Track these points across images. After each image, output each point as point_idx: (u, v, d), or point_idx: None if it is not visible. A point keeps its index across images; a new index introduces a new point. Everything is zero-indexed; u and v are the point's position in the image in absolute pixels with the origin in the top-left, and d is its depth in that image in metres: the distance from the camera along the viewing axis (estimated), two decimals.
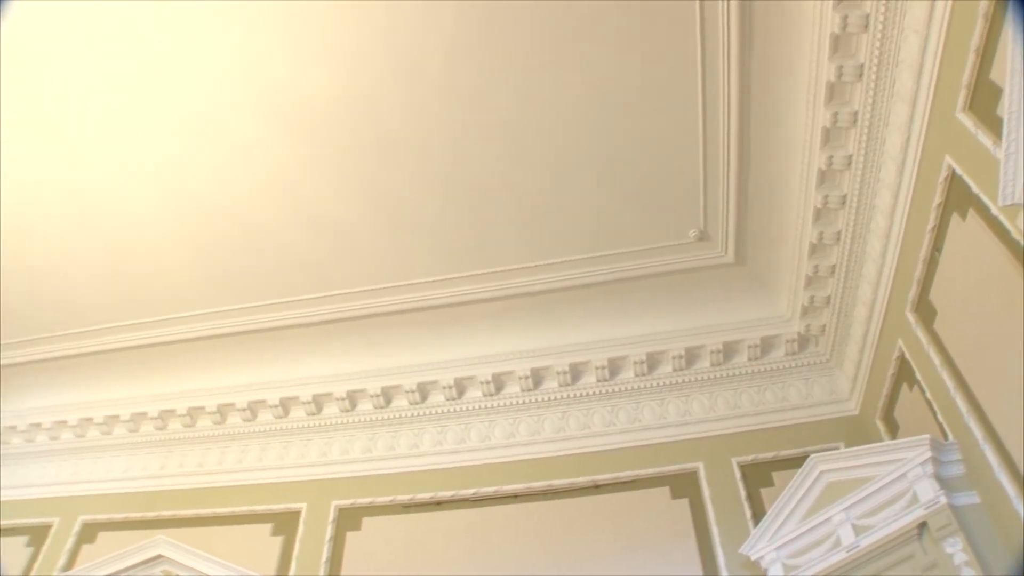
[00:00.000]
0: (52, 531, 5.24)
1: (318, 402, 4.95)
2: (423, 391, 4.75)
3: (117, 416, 5.53)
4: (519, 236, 4.21)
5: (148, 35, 3.63)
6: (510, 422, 4.56)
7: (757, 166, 3.63)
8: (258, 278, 4.76)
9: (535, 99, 3.57)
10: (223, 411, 5.18)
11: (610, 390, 4.48)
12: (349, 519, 4.57)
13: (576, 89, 3.50)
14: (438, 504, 4.41)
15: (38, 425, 5.78)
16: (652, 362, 4.41)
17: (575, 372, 4.50)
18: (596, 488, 4.21)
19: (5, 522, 5.47)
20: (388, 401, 4.83)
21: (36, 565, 5.08)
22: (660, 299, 4.34)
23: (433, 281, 4.54)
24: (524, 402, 4.56)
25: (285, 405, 5.03)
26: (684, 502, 4.08)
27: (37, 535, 5.28)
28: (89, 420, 5.59)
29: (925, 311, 3.19)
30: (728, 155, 3.58)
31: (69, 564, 4.97)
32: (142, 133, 4.02)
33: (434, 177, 3.99)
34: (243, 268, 4.69)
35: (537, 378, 4.53)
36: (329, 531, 4.53)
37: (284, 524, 4.68)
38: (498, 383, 4.61)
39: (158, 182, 4.27)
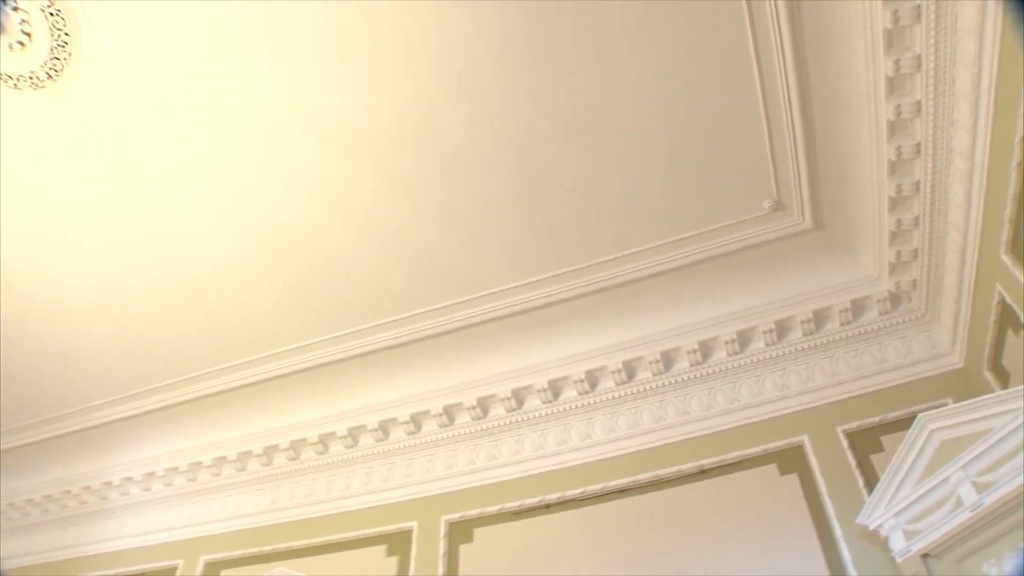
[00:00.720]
0: (178, 573, 5.57)
1: (416, 421, 5.15)
2: (519, 397, 4.90)
3: (224, 457, 5.85)
4: (593, 232, 4.35)
5: (207, 84, 3.94)
6: (608, 417, 4.67)
7: (823, 127, 3.68)
8: (345, 307, 5.03)
9: (590, 95, 3.72)
10: (325, 441, 5.44)
11: (704, 373, 4.55)
12: (460, 532, 4.72)
13: (630, 77, 3.66)
14: (547, 508, 4.54)
15: (152, 474, 6.18)
16: (743, 340, 4.46)
17: (667, 360, 4.59)
18: (702, 473, 4.28)
19: (135, 568, 5.84)
20: (485, 411, 4.99)
21: None
22: (743, 275, 4.40)
23: (514, 287, 4.71)
24: (620, 396, 4.67)
25: (384, 428, 5.25)
26: (793, 477, 4.11)
27: None
28: (199, 464, 5.95)
29: (1021, 251, 3.17)
30: (791, 120, 3.65)
31: None
32: (217, 178, 4.38)
33: (501, 185, 4.17)
34: (329, 299, 4.96)
35: (630, 370, 4.64)
36: (442, 546, 4.69)
37: (397, 544, 4.87)
38: (592, 380, 4.73)
39: (238, 225, 4.63)
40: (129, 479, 6.40)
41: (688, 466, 4.35)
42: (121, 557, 6.20)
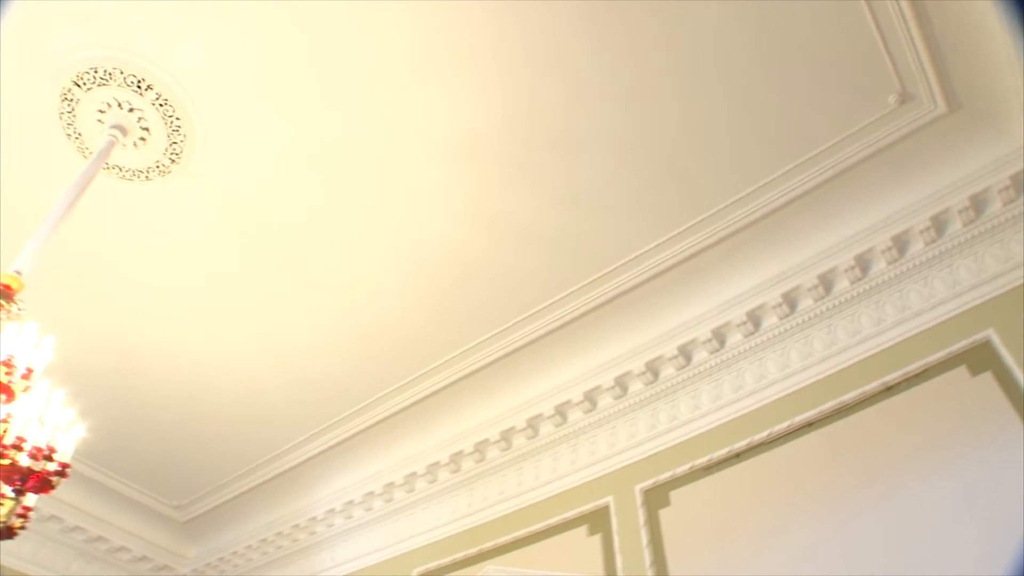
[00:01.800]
0: None
1: (591, 398, 5.37)
2: (686, 353, 5.05)
3: (414, 472, 6.32)
4: (720, 172, 4.51)
5: (316, 127, 4.44)
6: (779, 354, 4.74)
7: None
8: (494, 305, 5.48)
9: (682, 34, 3.86)
10: (507, 436, 5.76)
11: (867, 288, 4.56)
12: (656, 498, 4.90)
13: (728, 10, 3.71)
14: (737, 456, 4.66)
15: (351, 502, 6.73)
16: (900, 245, 4.44)
17: (826, 283, 4.63)
18: (888, 391, 4.30)
19: None
20: (656, 374, 5.16)
21: None
22: (885, 179, 4.42)
23: (655, 245, 4.92)
24: (785, 329, 4.75)
25: (561, 411, 5.49)
26: (986, 377, 4.06)
27: None
28: (392, 484, 6.45)
29: None
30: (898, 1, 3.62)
31: None
32: (345, 213, 4.96)
33: (616, 149, 4.40)
34: (477, 302, 5.46)
35: (791, 302, 4.71)
36: (641, 516, 4.87)
37: (597, 521, 5.10)
38: (754, 320, 4.83)
39: (373, 251, 5.17)
40: (331, 511, 6.97)
41: (872, 386, 4.35)
42: None
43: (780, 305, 4.75)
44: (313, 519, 7.21)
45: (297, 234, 5.14)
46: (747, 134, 4.32)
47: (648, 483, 5.00)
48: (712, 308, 5.01)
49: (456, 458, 6.18)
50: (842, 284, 4.64)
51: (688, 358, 5.10)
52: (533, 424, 5.75)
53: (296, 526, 7.37)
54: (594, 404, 5.48)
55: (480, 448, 6.04)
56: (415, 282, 5.36)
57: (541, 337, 5.56)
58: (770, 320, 4.83)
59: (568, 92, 4.21)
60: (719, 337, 4.98)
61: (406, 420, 6.39)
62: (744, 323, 4.86)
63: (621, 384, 5.34)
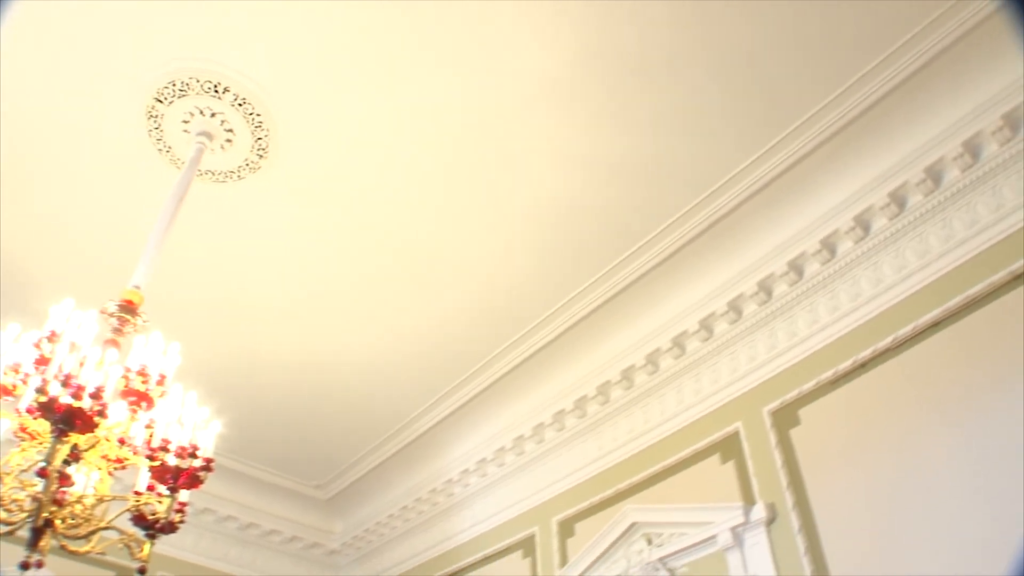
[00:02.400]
0: (537, 538, 6.28)
1: (707, 326, 5.51)
2: (796, 268, 5.09)
3: (542, 423, 6.54)
4: (801, 81, 4.57)
5: (393, 108, 4.66)
6: (892, 256, 4.71)
7: None
8: (598, 245, 5.63)
9: None
10: (628, 375, 5.90)
11: (981, 173, 4.37)
12: (785, 418, 4.95)
13: None
14: (863, 366, 4.65)
15: (483, 460, 6.98)
16: (1013, 124, 4.21)
17: (934, 176, 4.54)
18: (1017, 279, 4.12)
19: (497, 546, 6.63)
20: (769, 293, 5.25)
21: (538, 570, 6.02)
22: (970, 69, 4.18)
23: (750, 163, 5.00)
24: (896, 231, 4.71)
25: (678, 343, 5.62)
26: None
27: (527, 546, 6.35)
28: (521, 437, 6.67)
29: None
30: None
31: (563, 560, 5.88)
32: (432, 171, 5.16)
33: (696, 70, 4.52)
34: (581, 244, 5.62)
35: (899, 200, 4.66)
36: (772, 437, 4.93)
37: (729, 448, 5.22)
38: (863, 225, 4.79)
39: (475, 211, 5.38)
40: (466, 471, 7.25)
41: (999, 276, 4.21)
42: (481, 541, 7.07)
43: (888, 206, 4.65)
44: (449, 481, 7.49)
45: (391, 207, 5.41)
46: (827, 36, 4.23)
47: (775, 404, 5.03)
48: (817, 218, 4.96)
49: (580, 403, 6.35)
50: (951, 174, 4.49)
51: (799, 272, 5.06)
52: (652, 359, 5.84)
53: (433, 490, 7.67)
54: (711, 332, 5.51)
55: (603, 390, 6.17)
56: (516, 235, 5.52)
57: (649, 271, 5.63)
58: (879, 223, 4.74)
59: (638, 20, 4.27)
60: (828, 247, 4.92)
61: (526, 372, 6.57)
62: (852, 228, 4.79)
63: (735, 308, 5.34)
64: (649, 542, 5.33)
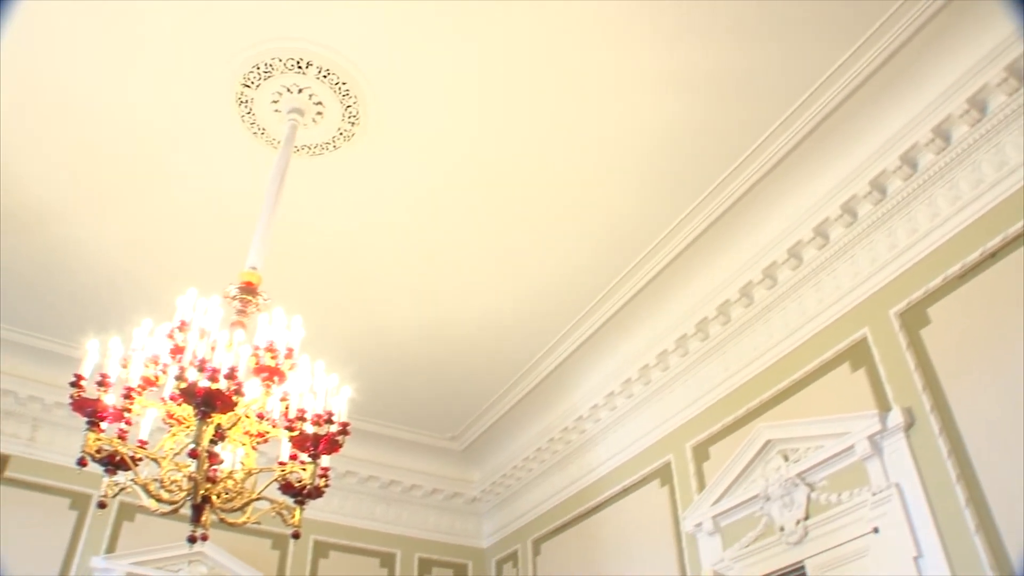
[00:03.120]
0: (673, 466, 6.43)
1: (821, 232, 5.48)
2: (909, 161, 5.00)
3: (665, 350, 6.62)
4: None
5: (476, 38, 4.64)
6: (1015, 135, 4.47)
7: None
8: (700, 164, 5.51)
9: None
10: (746, 292, 5.95)
11: None
12: (914, 319, 4.87)
13: None
14: (992, 256, 4.55)
15: (612, 393, 7.12)
16: None
17: None
18: None
19: (634, 477, 6.79)
20: (883, 192, 5.14)
21: (677, 497, 6.14)
22: None
23: (843, 62, 4.88)
24: (1017, 107, 4.43)
25: (794, 253, 5.64)
26: None
27: (663, 474, 6.51)
28: (646, 366, 6.75)
29: None
30: None
31: (700, 485, 6.09)
32: (525, 113, 5.11)
33: None
34: (683, 165, 5.52)
35: (1017, 72, 4.35)
36: (902, 340, 4.89)
37: (858, 356, 5.16)
38: (978, 106, 4.63)
39: (572, 147, 5.35)
40: (595, 406, 7.37)
41: None
42: (618, 474, 7.22)
43: (1006, 80, 4.39)
44: (580, 418, 7.62)
45: (492, 154, 5.47)
46: None
47: (902, 305, 4.91)
48: (924, 108, 4.74)
49: (702, 325, 6.34)
50: None
51: (913, 165, 4.88)
52: (769, 273, 5.77)
53: (565, 429, 7.82)
54: (826, 238, 5.39)
55: (723, 310, 6.15)
56: (616, 165, 5.53)
57: (754, 185, 5.54)
58: (997, 99, 4.49)
59: None
60: (942, 134, 4.72)
61: (644, 301, 6.60)
62: (967, 112, 4.57)
63: (849, 210, 5.21)
64: (785, 458, 5.32)
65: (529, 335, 7.25)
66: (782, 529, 5.18)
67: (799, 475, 5.15)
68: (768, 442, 5.50)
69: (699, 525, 5.93)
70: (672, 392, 6.72)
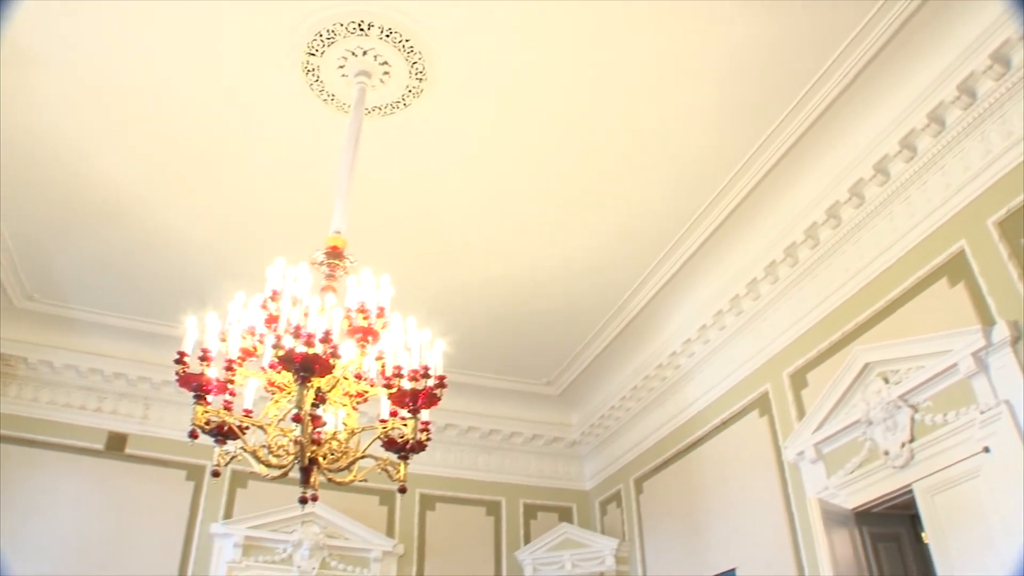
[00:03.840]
0: (770, 395, 6.44)
1: (908, 144, 5.23)
2: (1001, 59, 4.64)
3: (755, 279, 6.60)
4: None
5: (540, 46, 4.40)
6: None
7: None
8: (776, 83, 5.30)
9: None
10: (833, 212, 5.85)
11: None
12: (1014, 227, 4.66)
13: None
14: None
15: (703, 327, 7.17)
16: None
17: None
18: None
19: (734, 408, 6.85)
20: (973, 95, 4.86)
21: (777, 426, 6.21)
22: None
23: None
24: None
25: (881, 169, 5.43)
26: None
27: (762, 404, 6.58)
28: (736, 297, 6.78)
29: None
30: None
31: (800, 412, 6.12)
32: (595, 49, 4.99)
33: None
34: (759, 87, 5.32)
35: None
36: (1003, 250, 4.66)
37: (956, 270, 5.03)
38: None
39: (645, 79, 5.17)
40: (688, 341, 7.37)
41: None
42: (715, 407, 7.25)
43: None
44: (673, 354, 7.61)
45: (565, 94, 5.37)
46: None
47: (1000, 214, 4.67)
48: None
49: (790, 251, 6.19)
50: None
51: (1006, 63, 4.58)
52: (856, 191, 5.58)
53: (660, 366, 7.82)
54: (914, 149, 5.16)
55: (811, 233, 5.99)
56: (688, 98, 5.40)
57: (834, 101, 5.29)
58: None
59: None
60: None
61: (728, 231, 6.49)
62: None
63: (936, 118, 4.95)
64: (886, 381, 5.20)
65: (616, 275, 7.21)
66: (887, 453, 5.08)
67: (901, 397, 5.02)
68: (867, 365, 5.37)
69: (801, 453, 5.87)
70: (765, 321, 6.63)
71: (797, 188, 5.93)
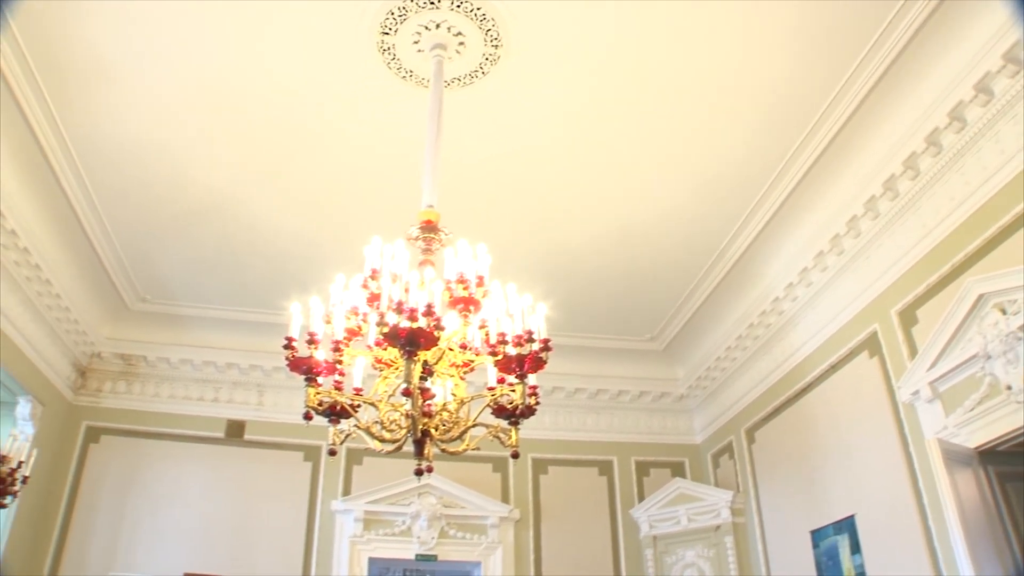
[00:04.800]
0: (880, 335, 6.31)
1: (1012, 57, 4.78)
2: None
3: (854, 215, 6.32)
4: None
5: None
6: None
7: None
8: (855, 16, 5.02)
9: None
10: (932, 140, 5.46)
11: None
12: None
13: None
14: None
15: (805, 269, 7.06)
16: None
17: None
18: None
19: (843, 349, 6.64)
20: None
21: (888, 366, 6.13)
22: None
23: None
24: None
25: (983, 87, 5.01)
26: None
27: (871, 345, 6.48)
28: (836, 236, 6.56)
29: None
30: None
31: (912, 351, 5.88)
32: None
33: None
34: (835, 18, 5.05)
35: None
36: None
37: None
38: None
39: (728, 32, 4.97)
40: (790, 285, 7.23)
41: None
42: (823, 351, 7.14)
43: None
44: (776, 300, 7.45)
45: (636, 47, 5.24)
46: None
47: None
48: None
49: (889, 183, 5.89)
50: None
51: None
52: (956, 115, 5.23)
53: (763, 312, 7.68)
54: (1020, 63, 4.78)
55: (910, 163, 5.67)
56: (767, 36, 5.16)
57: (926, 21, 4.93)
58: None
59: None
60: None
61: (822, 169, 6.20)
62: None
63: None
64: (1003, 312, 4.90)
65: (711, 224, 7.04)
66: (1009, 388, 4.79)
67: (1022, 328, 4.77)
68: (981, 296, 5.09)
69: (916, 393, 5.65)
70: (868, 259, 6.37)
71: (891, 118, 5.59)
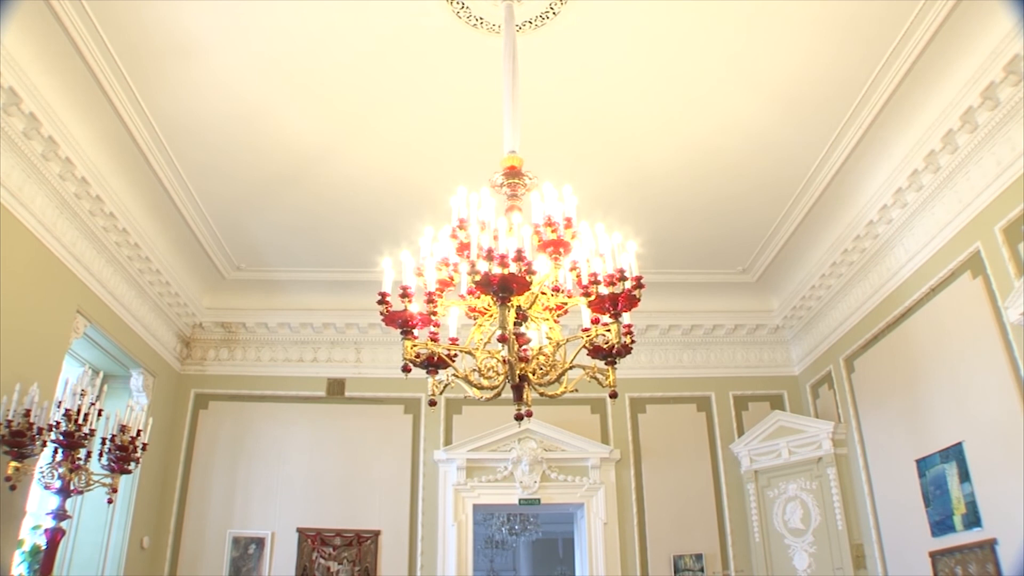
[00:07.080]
0: (982, 253, 6.03)
1: None
2: None
3: (950, 130, 5.97)
4: None
5: None
6: None
7: None
8: None
9: None
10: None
11: None
12: None
13: None
14: None
15: (900, 189, 6.75)
16: None
17: None
18: None
19: (944, 271, 6.50)
20: None
21: (994, 286, 5.89)
22: None
23: None
24: None
25: None
26: None
27: (973, 265, 6.18)
28: (931, 152, 6.22)
29: None
30: None
31: (1019, 269, 5.59)
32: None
33: None
34: None
35: None
36: None
37: None
38: None
39: None
40: (884, 207, 6.96)
41: None
42: (922, 274, 6.87)
43: None
44: (870, 223, 7.17)
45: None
46: None
47: None
48: None
49: (988, 92, 5.50)
50: None
51: None
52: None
53: (857, 237, 7.42)
54: None
55: (1012, 68, 5.27)
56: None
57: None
58: None
59: None
60: None
61: (913, 83, 5.79)
62: None
63: None
64: None
65: (798, 149, 6.74)
66: None
67: None
68: None
69: None
70: (966, 175, 6.01)
71: (989, 23, 5.31)
